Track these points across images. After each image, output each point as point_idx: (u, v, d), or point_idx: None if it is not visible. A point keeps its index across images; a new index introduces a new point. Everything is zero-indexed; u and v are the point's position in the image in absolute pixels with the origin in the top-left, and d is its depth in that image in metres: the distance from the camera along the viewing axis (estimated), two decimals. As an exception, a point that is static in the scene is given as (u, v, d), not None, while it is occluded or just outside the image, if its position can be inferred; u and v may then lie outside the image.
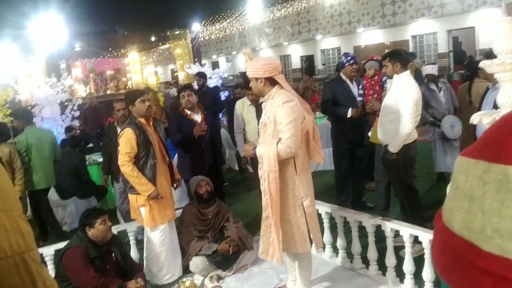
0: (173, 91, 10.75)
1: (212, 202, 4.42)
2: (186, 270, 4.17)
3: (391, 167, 4.20)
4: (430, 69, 6.13)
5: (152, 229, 4.00)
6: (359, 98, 5.04)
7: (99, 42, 16.10)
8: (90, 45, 15.80)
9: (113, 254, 3.57)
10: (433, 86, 6.03)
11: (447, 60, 15.80)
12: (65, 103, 10.40)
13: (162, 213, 4.00)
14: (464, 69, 15.57)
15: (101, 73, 19.84)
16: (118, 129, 5.03)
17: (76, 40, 14.97)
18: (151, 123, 4.09)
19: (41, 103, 9.81)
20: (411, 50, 16.32)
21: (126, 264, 3.63)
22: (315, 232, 3.32)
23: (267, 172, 3.09)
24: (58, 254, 3.56)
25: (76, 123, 9.94)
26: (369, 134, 5.05)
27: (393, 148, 4.05)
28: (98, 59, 19.50)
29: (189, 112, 4.79)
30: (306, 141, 3.29)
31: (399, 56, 4.13)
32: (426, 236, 3.30)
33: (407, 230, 3.45)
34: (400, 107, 3.96)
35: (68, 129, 7.79)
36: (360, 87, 5.08)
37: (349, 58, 5.22)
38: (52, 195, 6.13)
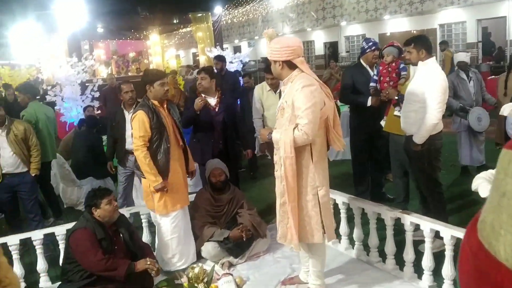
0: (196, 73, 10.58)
1: (227, 188, 4.32)
2: (198, 256, 4.10)
3: (415, 159, 4.02)
4: (463, 57, 5.87)
5: (163, 216, 3.91)
6: (372, 84, 4.82)
7: (121, 23, 15.98)
8: (111, 26, 15.73)
9: (120, 235, 3.50)
10: (463, 75, 5.79)
11: (476, 50, 15.29)
12: (86, 84, 10.40)
13: (175, 199, 3.89)
14: (493, 60, 15.07)
15: (124, 55, 19.89)
16: (126, 112, 4.93)
17: (97, 21, 14.93)
18: (165, 106, 3.98)
19: (62, 83, 9.85)
20: (438, 39, 15.86)
21: (134, 245, 3.56)
22: (328, 223, 3.20)
23: (283, 158, 2.98)
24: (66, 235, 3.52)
25: (96, 103, 9.96)
26: (382, 123, 4.84)
27: (419, 139, 3.85)
28: (120, 40, 19.51)
29: (203, 95, 4.68)
30: (326, 128, 3.15)
31: (424, 42, 3.91)
32: (448, 232, 3.14)
33: (427, 225, 3.30)
34: (427, 96, 3.75)
35: (85, 109, 7.78)
36: (376, 72, 4.88)
37: (370, 43, 5.01)
38: (69, 174, 6.15)
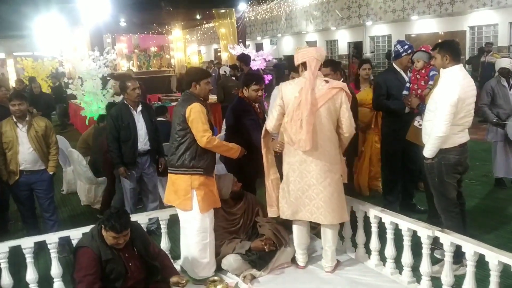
0: (226, 69, 10.24)
1: (240, 199, 4.11)
2: (218, 268, 3.88)
3: (426, 172, 3.75)
4: (506, 63, 5.57)
5: (203, 215, 3.70)
6: (404, 92, 4.57)
7: (144, 17, 15.82)
8: (134, 20, 15.61)
9: (134, 249, 3.16)
10: (504, 82, 5.51)
11: (507, 54, 14.75)
12: (107, 78, 10.28)
13: (216, 197, 3.79)
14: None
15: (145, 49, 19.83)
16: (134, 112, 4.69)
17: (121, 14, 14.81)
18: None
19: (83, 77, 9.74)
20: (468, 42, 15.34)
21: (149, 257, 3.23)
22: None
23: None
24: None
25: (117, 98, 9.81)
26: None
27: (426, 151, 3.60)
28: (142, 34, 19.44)
29: (256, 105, 4.37)
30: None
31: (450, 48, 3.56)
32: (493, 256, 2.86)
33: (471, 247, 3.02)
34: (438, 106, 3.47)
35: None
36: (408, 79, 4.62)
37: (406, 47, 4.73)
38: (87, 171, 6.00)
